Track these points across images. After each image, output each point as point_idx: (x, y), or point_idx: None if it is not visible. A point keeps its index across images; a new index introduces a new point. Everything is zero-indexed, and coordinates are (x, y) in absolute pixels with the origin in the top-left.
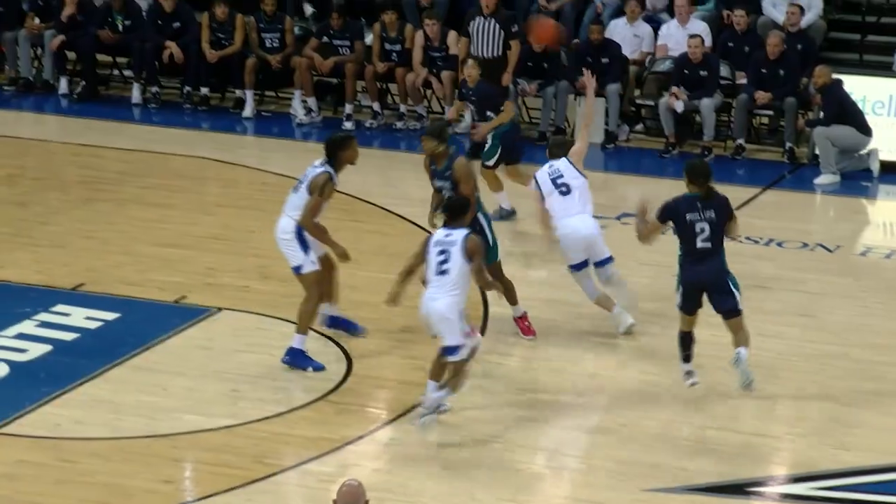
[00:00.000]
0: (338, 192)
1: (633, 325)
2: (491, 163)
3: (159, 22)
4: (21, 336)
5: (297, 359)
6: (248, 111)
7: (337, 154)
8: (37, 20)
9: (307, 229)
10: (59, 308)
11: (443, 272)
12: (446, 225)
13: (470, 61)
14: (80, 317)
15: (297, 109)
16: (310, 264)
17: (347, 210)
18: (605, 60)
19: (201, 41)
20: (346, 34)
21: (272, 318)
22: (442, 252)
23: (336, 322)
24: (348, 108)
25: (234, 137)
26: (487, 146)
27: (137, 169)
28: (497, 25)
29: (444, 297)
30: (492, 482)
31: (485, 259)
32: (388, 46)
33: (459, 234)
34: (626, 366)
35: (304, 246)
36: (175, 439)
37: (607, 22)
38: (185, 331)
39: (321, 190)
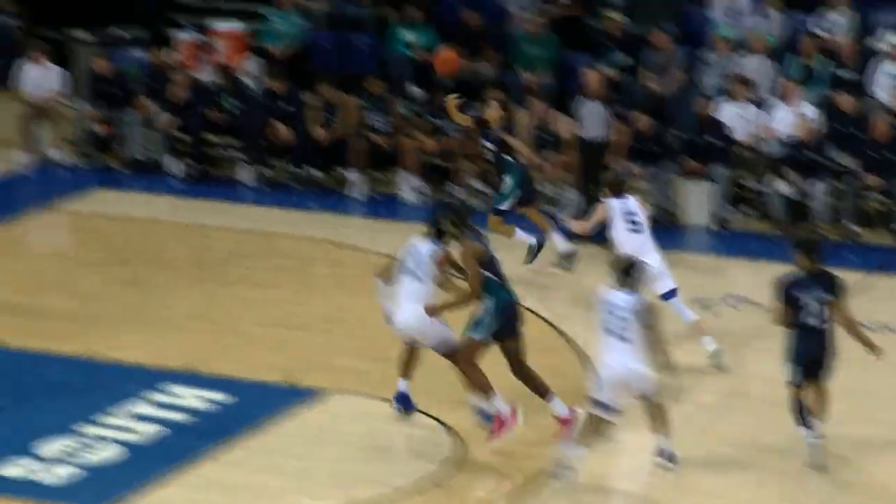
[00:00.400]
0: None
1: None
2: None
3: (269, 103)
4: (134, 416)
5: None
6: (356, 191)
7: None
8: (149, 102)
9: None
10: (171, 388)
11: (625, 338)
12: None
13: (494, 103)
14: (191, 397)
15: (405, 190)
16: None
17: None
18: (712, 140)
19: (310, 122)
20: None
21: (381, 400)
22: (621, 318)
23: (403, 399)
24: (456, 189)
25: (341, 218)
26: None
27: (246, 249)
28: (603, 108)
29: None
30: None
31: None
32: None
33: (634, 299)
34: None
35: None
36: None
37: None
38: (295, 412)
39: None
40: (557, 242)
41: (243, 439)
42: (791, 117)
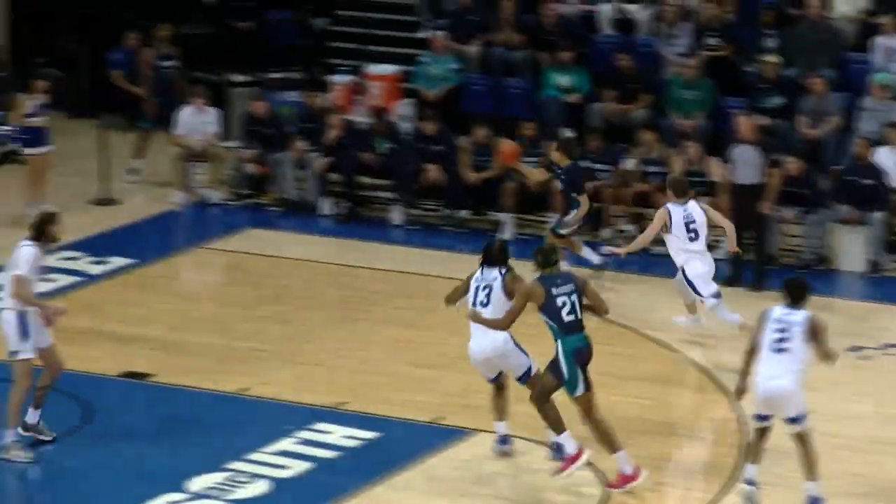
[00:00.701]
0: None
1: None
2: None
3: (421, 145)
4: (282, 453)
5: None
6: (506, 233)
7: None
8: (302, 143)
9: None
10: (320, 426)
11: (782, 350)
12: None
13: (553, 144)
14: (339, 435)
15: None
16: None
17: (600, 331)
18: (868, 183)
19: (462, 164)
20: (604, 158)
21: (526, 441)
22: (781, 330)
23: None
24: (606, 233)
25: None
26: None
27: (395, 289)
28: (757, 153)
29: (787, 375)
30: None
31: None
32: (647, 168)
33: (801, 315)
34: None
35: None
36: None
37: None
38: (442, 452)
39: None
40: (589, 255)
41: (390, 478)
42: None
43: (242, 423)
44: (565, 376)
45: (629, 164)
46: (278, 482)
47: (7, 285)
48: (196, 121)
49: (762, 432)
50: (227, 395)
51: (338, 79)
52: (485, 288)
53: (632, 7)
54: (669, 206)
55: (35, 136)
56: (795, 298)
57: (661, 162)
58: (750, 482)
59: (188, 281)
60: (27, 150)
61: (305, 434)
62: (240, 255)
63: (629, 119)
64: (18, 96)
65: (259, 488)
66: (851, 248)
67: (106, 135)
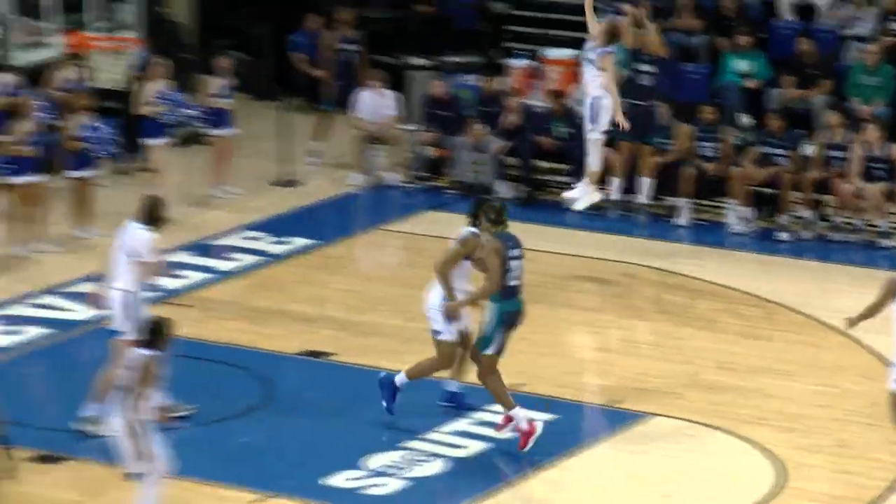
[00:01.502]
0: (768, 301)
1: None
2: None
3: None
4: (459, 433)
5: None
6: (682, 219)
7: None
8: (480, 126)
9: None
10: (496, 407)
11: None
12: None
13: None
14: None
15: (732, 218)
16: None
17: (778, 320)
18: None
19: None
20: (784, 142)
21: (701, 426)
22: None
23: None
24: (783, 219)
25: (667, 245)
26: None
27: (570, 273)
28: None
29: None
30: None
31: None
32: (830, 153)
33: None
34: None
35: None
36: None
37: None
38: (617, 435)
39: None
40: None
41: (566, 459)
42: None
43: (420, 402)
44: (486, 332)
45: (810, 149)
46: (454, 461)
47: (127, 268)
48: (375, 104)
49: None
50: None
51: (516, 63)
52: None
53: None
54: None
55: (220, 118)
56: None
57: (843, 147)
58: None
59: (367, 262)
60: (212, 132)
61: (481, 415)
62: (417, 237)
63: (809, 104)
64: (204, 78)
65: (436, 467)
66: None
67: (287, 117)
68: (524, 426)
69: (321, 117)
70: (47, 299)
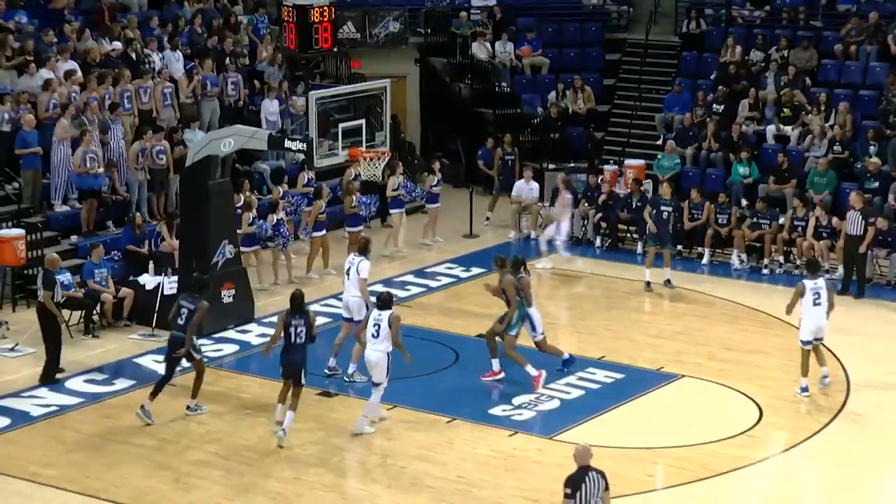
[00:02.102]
0: (756, 310)
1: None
2: None
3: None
4: (567, 384)
5: None
6: (705, 260)
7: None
8: (586, 204)
9: None
10: (590, 369)
11: (818, 304)
12: None
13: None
14: (601, 375)
15: (735, 261)
16: None
17: (761, 321)
18: None
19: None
20: (766, 216)
21: (713, 383)
22: (817, 293)
23: None
24: (766, 261)
25: (696, 276)
26: None
27: (635, 290)
28: (859, 216)
29: (825, 317)
30: None
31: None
32: (796, 223)
33: (822, 280)
34: None
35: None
36: (657, 451)
37: None
38: (661, 388)
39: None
40: None
41: (630, 401)
42: None
43: (545, 365)
44: (512, 322)
45: (782, 220)
46: (564, 401)
47: (355, 283)
48: (525, 189)
49: (809, 353)
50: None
51: (608, 167)
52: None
53: (786, 128)
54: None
55: (433, 198)
56: (813, 272)
57: (803, 219)
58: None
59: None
60: (428, 206)
61: (582, 374)
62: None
63: (782, 194)
64: (425, 174)
65: (554, 404)
66: None
67: (473, 197)
68: (535, 373)
69: (493, 198)
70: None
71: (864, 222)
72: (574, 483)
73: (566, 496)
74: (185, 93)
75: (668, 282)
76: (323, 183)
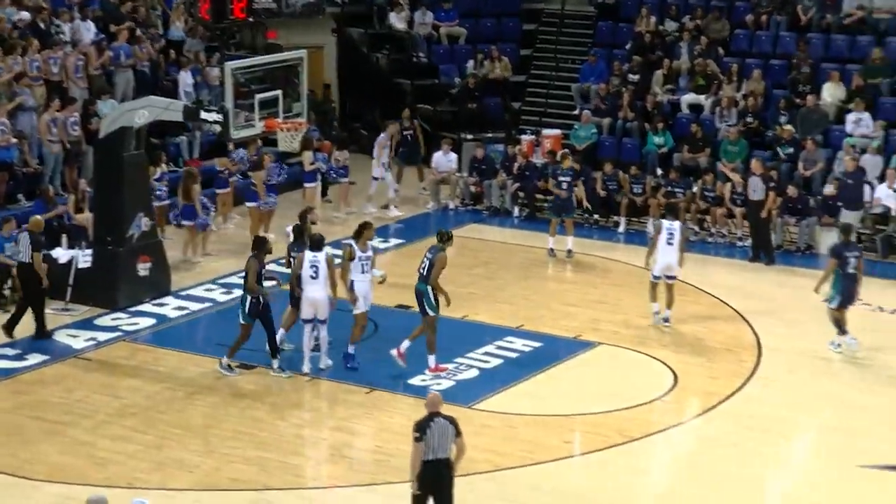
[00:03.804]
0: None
1: None
2: None
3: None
4: (486, 353)
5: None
6: (621, 228)
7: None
8: (503, 174)
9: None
10: (508, 339)
11: (671, 244)
12: None
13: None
14: (519, 344)
15: (650, 229)
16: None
17: (677, 288)
18: (839, 204)
19: (597, 187)
20: (681, 185)
21: (629, 350)
22: (671, 234)
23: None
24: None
25: (612, 244)
26: None
27: (555, 261)
28: (760, 181)
29: (676, 255)
30: None
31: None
32: (706, 193)
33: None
34: None
35: None
36: (574, 419)
37: None
38: (578, 355)
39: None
40: None
41: (549, 369)
42: (890, 192)
43: (464, 335)
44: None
45: (695, 188)
46: (482, 371)
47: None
48: (443, 160)
49: (656, 286)
50: (456, 320)
51: (525, 137)
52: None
53: (700, 96)
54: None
55: (345, 170)
56: (673, 215)
57: (713, 190)
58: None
59: None
60: (341, 180)
61: (499, 343)
62: (465, 239)
63: (696, 163)
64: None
65: (472, 373)
66: (828, 241)
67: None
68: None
69: (398, 169)
70: None
71: (765, 187)
72: (421, 427)
73: (415, 439)
74: (94, 65)
75: (569, 252)
76: (264, 151)
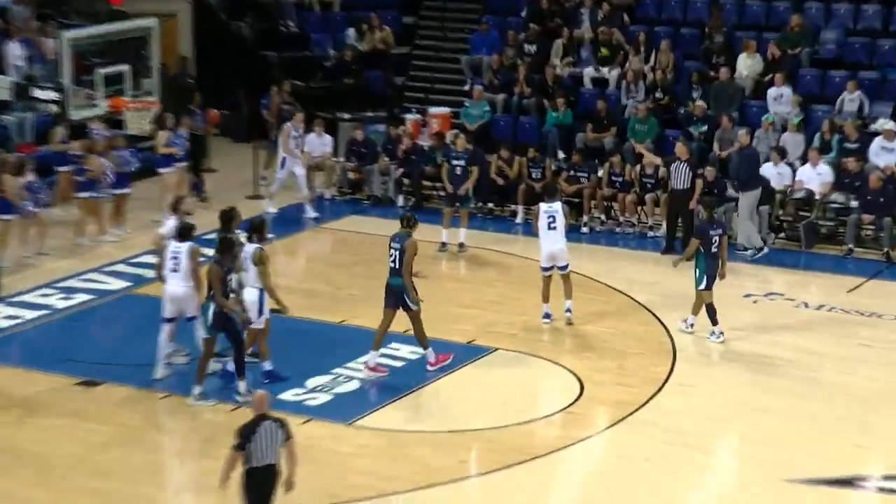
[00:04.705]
0: (576, 273)
1: None
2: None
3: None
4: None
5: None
6: (519, 218)
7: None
8: (386, 159)
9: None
10: (392, 345)
11: (553, 228)
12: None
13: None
14: (405, 351)
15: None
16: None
17: (583, 286)
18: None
19: (493, 172)
20: (585, 169)
21: (530, 356)
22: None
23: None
24: (585, 218)
25: (510, 237)
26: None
27: (448, 256)
28: (686, 167)
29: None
30: None
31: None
32: (613, 178)
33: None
34: None
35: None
36: (467, 434)
37: None
38: (474, 362)
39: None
40: None
41: (438, 380)
42: (813, 174)
43: (343, 342)
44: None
45: (601, 172)
46: (363, 382)
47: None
48: (317, 143)
49: (549, 279)
50: (332, 325)
51: (410, 116)
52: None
53: (604, 69)
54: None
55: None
56: (551, 196)
57: (621, 174)
58: None
59: (309, 249)
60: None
61: (385, 350)
62: (343, 233)
63: (601, 143)
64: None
65: (352, 385)
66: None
67: (256, 153)
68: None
69: (268, 154)
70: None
71: (691, 174)
72: (244, 433)
73: (234, 447)
74: None
75: (461, 245)
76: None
